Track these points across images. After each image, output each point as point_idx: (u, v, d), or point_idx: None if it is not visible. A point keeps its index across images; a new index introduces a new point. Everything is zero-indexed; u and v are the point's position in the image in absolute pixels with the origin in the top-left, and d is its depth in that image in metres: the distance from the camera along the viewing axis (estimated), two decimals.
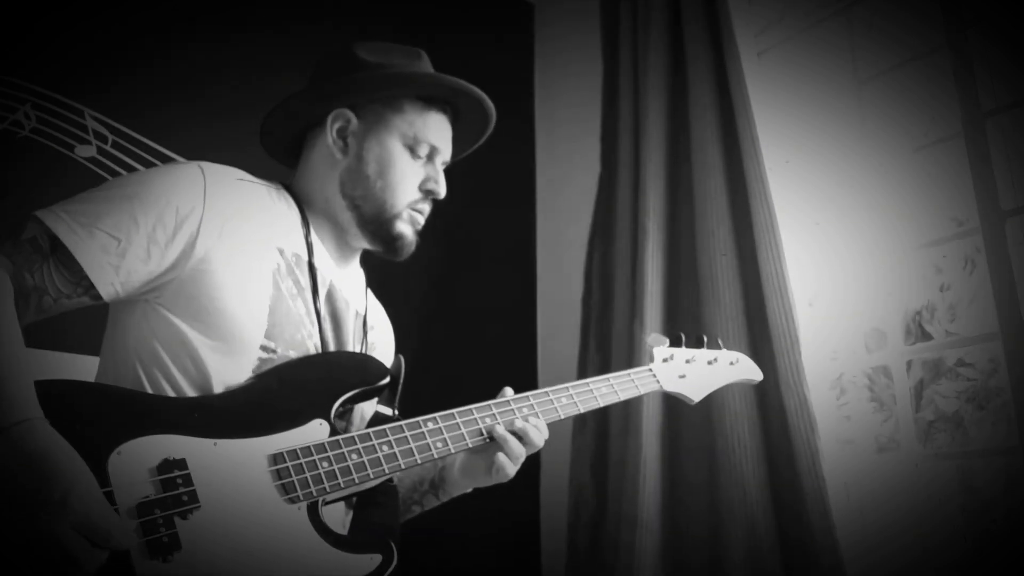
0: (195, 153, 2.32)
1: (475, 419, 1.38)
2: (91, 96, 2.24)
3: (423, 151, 1.46)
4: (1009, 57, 2.14)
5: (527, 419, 1.41)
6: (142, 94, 2.32)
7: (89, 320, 1.34)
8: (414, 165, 1.46)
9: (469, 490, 1.52)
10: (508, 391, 1.47)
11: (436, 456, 1.32)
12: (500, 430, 1.38)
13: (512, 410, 1.42)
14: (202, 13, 2.49)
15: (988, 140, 2.10)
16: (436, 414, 1.35)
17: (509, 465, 1.39)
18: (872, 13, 2.51)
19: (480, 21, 3.27)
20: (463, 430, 1.36)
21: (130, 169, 2.26)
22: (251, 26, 2.59)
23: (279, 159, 1.58)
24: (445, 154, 1.51)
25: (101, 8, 2.28)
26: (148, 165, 2.29)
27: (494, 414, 1.40)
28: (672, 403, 2.32)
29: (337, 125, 1.45)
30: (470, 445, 1.36)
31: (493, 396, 1.45)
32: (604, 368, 2.56)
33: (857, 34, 2.50)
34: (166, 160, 2.32)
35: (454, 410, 1.37)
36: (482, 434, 1.37)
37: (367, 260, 1.59)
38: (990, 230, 2.06)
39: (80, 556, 0.97)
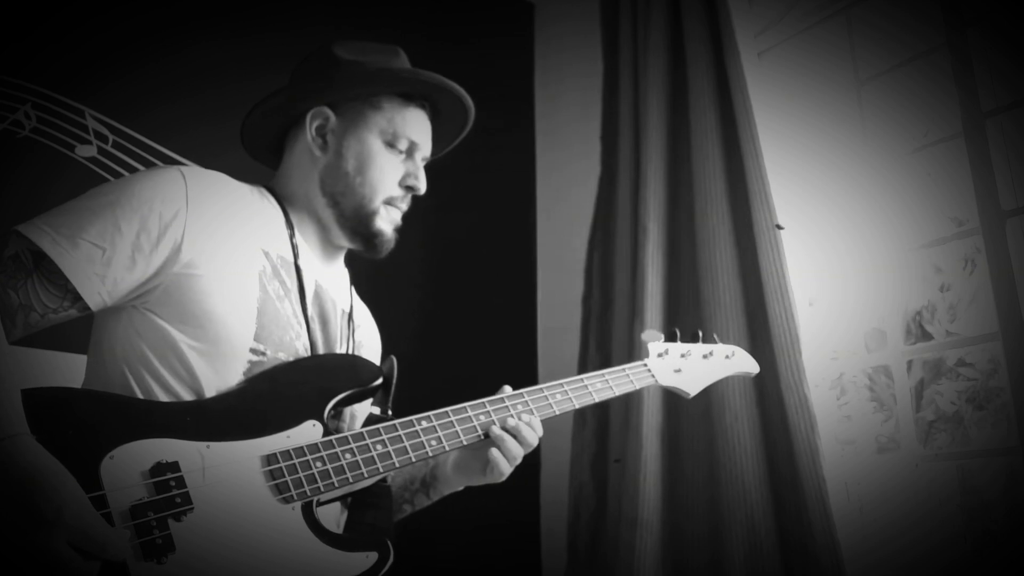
0: (195, 153, 2.33)
1: (469, 417, 1.37)
2: (91, 96, 2.24)
3: (402, 146, 1.46)
4: (1009, 57, 2.13)
5: (520, 416, 1.41)
6: (142, 94, 2.32)
7: (80, 318, 1.34)
8: (393, 161, 1.46)
9: (460, 488, 1.51)
10: (507, 389, 1.46)
11: (431, 454, 1.32)
12: (496, 429, 1.38)
13: (507, 407, 1.41)
14: (202, 14, 2.49)
15: (988, 140, 2.09)
16: (430, 412, 1.35)
17: (503, 463, 1.38)
18: (872, 13, 2.50)
19: (480, 21, 3.27)
20: (457, 428, 1.35)
21: (131, 168, 2.26)
22: (250, 27, 2.59)
23: (261, 160, 1.58)
24: (425, 150, 1.51)
25: (101, 9, 2.29)
26: (148, 165, 2.29)
27: (488, 411, 1.39)
28: (672, 402, 2.32)
29: (316, 123, 1.45)
30: (464, 443, 1.36)
31: (492, 395, 1.44)
32: (604, 368, 2.55)
33: (857, 34, 2.50)
34: (167, 160, 2.32)
35: (448, 408, 1.37)
36: (477, 432, 1.37)
37: (364, 261, 1.59)
38: (990, 230, 2.06)
39: (76, 569, 0.97)
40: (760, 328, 2.24)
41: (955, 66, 2.18)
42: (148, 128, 2.32)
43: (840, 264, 2.47)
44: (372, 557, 1.21)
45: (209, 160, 1.52)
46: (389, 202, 1.46)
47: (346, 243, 1.49)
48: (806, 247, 2.49)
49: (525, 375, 3.00)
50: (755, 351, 2.18)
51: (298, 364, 1.32)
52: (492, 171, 3.03)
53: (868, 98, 2.44)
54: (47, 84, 2.18)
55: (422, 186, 1.49)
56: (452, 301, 2.91)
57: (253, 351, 1.27)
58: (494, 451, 1.37)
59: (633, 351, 2.43)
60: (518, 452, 1.39)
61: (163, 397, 1.22)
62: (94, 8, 2.28)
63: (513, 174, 3.24)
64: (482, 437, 1.37)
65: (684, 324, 2.36)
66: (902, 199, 2.42)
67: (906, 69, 2.39)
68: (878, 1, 2.48)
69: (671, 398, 1.71)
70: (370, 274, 1.63)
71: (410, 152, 1.48)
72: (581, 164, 2.95)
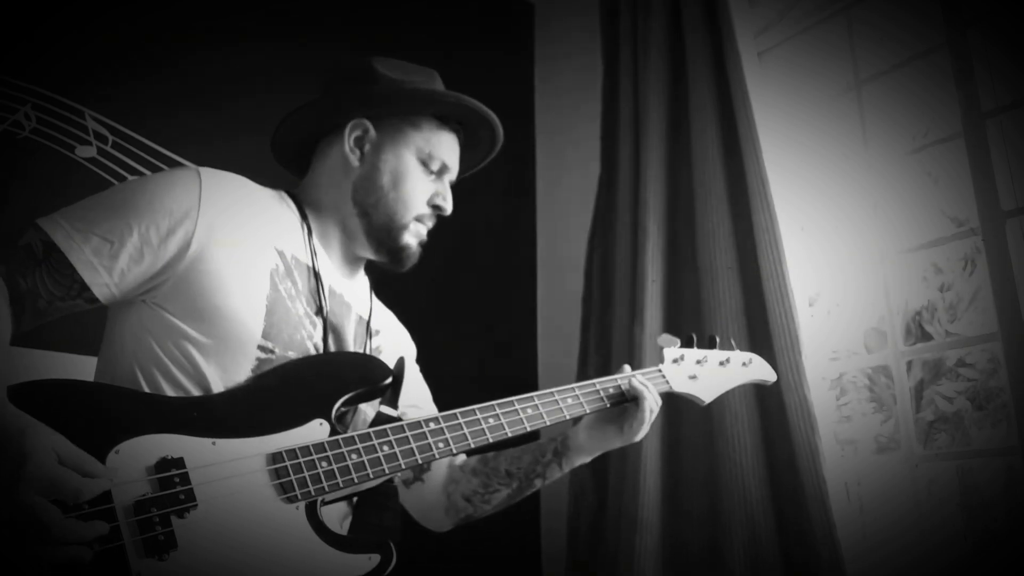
0: (195, 152, 2.33)
1: (478, 420, 1.37)
2: (91, 97, 2.24)
3: (435, 167, 1.50)
4: (1009, 57, 2.13)
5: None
6: (142, 95, 2.32)
7: (88, 320, 1.34)
8: (425, 180, 1.49)
9: (589, 459, 1.59)
10: (626, 368, 1.59)
11: (437, 457, 1.31)
12: (636, 383, 1.53)
13: (516, 410, 1.41)
14: (202, 16, 2.49)
15: (988, 140, 2.09)
16: (438, 414, 1.35)
17: (645, 416, 1.51)
18: (872, 13, 2.50)
19: (480, 22, 3.27)
20: (465, 431, 1.35)
21: (130, 169, 2.26)
22: (251, 30, 2.59)
23: (286, 166, 1.60)
24: (453, 172, 1.55)
25: (101, 10, 2.29)
26: (148, 166, 2.29)
27: (498, 414, 1.39)
28: (672, 402, 2.31)
29: (355, 134, 1.47)
30: (472, 446, 1.36)
31: (492, 395, 1.44)
32: (604, 368, 2.55)
33: (857, 34, 2.50)
34: (166, 160, 2.32)
35: (456, 411, 1.37)
36: (485, 435, 1.37)
37: (368, 265, 1.59)
38: (990, 230, 2.06)
39: (51, 521, 0.96)
40: (760, 328, 2.24)
41: (955, 66, 2.18)
42: (148, 129, 2.32)
43: (840, 264, 2.47)
44: (374, 559, 1.20)
45: (207, 159, 1.52)
46: (418, 219, 1.49)
47: (370, 254, 1.51)
48: (806, 247, 2.49)
49: (525, 375, 3.00)
50: (755, 351, 2.18)
51: (307, 361, 1.33)
52: (492, 171, 3.02)
53: (868, 98, 2.44)
54: (47, 85, 2.18)
55: (449, 207, 1.52)
56: (452, 301, 2.90)
57: (261, 348, 1.28)
58: (646, 403, 1.51)
59: (633, 351, 2.42)
60: (656, 405, 1.53)
61: (171, 392, 1.23)
62: (94, 10, 2.28)
63: (513, 174, 3.24)
64: (489, 440, 1.37)
65: (684, 325, 2.36)
66: (902, 199, 2.43)
67: (906, 69, 2.39)
68: (878, 1, 2.48)
69: (673, 398, 1.70)
70: (369, 277, 1.63)
71: (440, 173, 1.51)
72: (581, 164, 2.95)
